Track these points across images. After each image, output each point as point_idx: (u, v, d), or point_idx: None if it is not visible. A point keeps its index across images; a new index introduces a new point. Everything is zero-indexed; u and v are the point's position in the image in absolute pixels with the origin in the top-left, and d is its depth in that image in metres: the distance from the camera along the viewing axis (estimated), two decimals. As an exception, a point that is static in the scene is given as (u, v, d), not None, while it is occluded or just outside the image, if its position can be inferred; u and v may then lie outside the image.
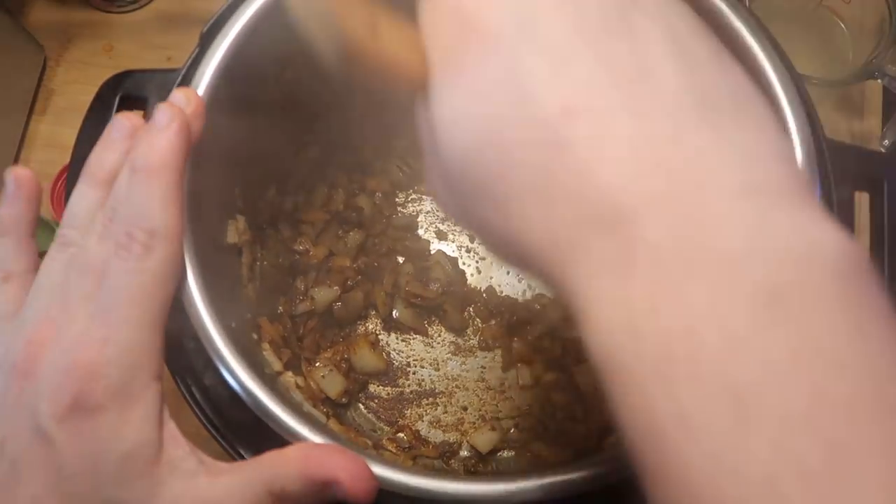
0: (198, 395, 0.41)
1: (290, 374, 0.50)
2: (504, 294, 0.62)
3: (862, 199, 0.46)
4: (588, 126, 0.23)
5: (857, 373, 0.20)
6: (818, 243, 0.21)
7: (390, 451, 0.54)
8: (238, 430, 0.41)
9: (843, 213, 0.45)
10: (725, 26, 0.45)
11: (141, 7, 0.81)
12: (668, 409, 0.20)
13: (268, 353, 0.50)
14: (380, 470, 0.37)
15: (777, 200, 0.22)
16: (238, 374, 0.39)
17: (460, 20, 0.25)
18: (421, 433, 0.57)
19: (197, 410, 0.42)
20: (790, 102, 0.43)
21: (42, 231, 0.73)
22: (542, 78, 0.23)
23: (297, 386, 0.50)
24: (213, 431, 0.41)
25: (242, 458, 0.41)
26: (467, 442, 0.57)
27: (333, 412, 0.54)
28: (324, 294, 0.59)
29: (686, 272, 0.21)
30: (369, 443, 0.54)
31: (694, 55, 0.24)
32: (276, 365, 0.50)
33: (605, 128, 0.23)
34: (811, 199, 0.23)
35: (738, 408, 0.19)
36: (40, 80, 0.79)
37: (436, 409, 0.58)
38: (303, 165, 0.60)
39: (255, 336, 0.50)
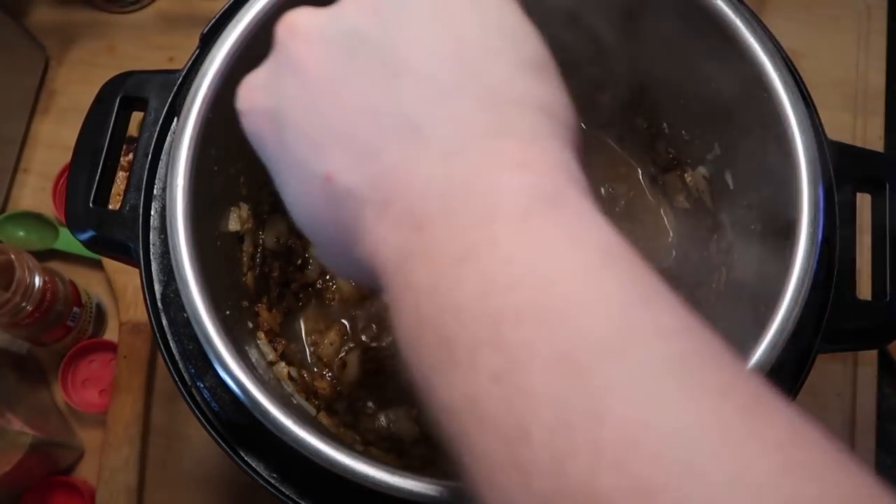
0: (198, 398, 0.41)
1: (282, 364, 0.51)
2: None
3: (864, 200, 0.46)
4: (343, 185, 0.27)
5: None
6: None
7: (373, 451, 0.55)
8: (238, 433, 0.41)
9: (844, 214, 0.45)
10: (725, 25, 0.45)
11: (143, 7, 0.81)
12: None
13: (262, 343, 0.50)
14: (367, 469, 0.37)
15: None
16: (230, 366, 0.39)
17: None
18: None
19: (198, 414, 0.42)
20: (792, 103, 0.43)
21: (44, 230, 0.73)
22: (308, 158, 0.28)
23: (290, 377, 0.51)
24: (215, 435, 0.42)
25: (243, 460, 0.41)
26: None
27: (324, 405, 0.54)
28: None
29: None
30: (358, 438, 0.54)
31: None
32: (270, 355, 0.50)
33: (354, 179, 0.27)
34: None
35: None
36: (42, 80, 0.79)
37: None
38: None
39: (250, 325, 0.50)
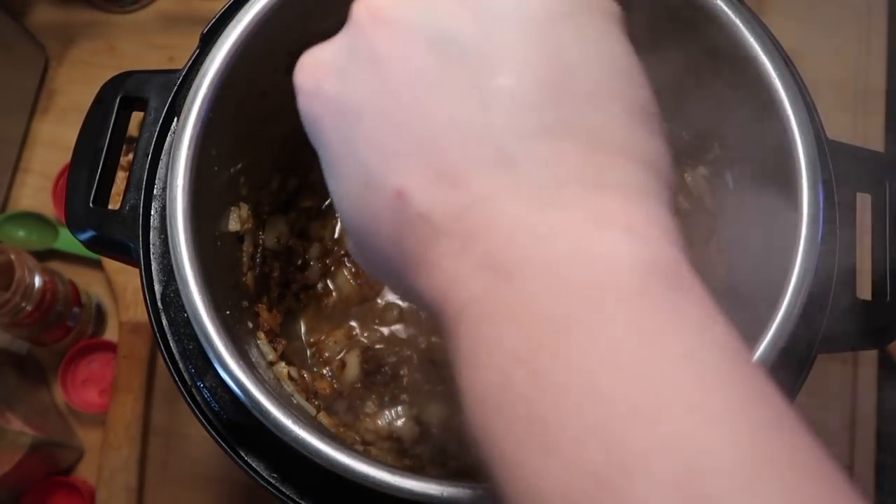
0: (198, 398, 0.41)
1: (282, 364, 0.51)
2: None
3: (864, 200, 0.46)
4: (418, 206, 0.24)
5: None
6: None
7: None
8: (238, 433, 0.41)
9: (844, 214, 0.45)
10: (726, 26, 0.45)
11: (143, 7, 0.81)
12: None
13: (262, 343, 0.50)
14: (367, 469, 0.37)
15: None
16: (230, 366, 0.39)
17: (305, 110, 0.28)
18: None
19: (198, 414, 0.42)
20: (792, 103, 0.43)
21: (44, 230, 0.73)
22: (376, 164, 0.25)
23: (290, 377, 0.51)
24: (215, 434, 0.41)
25: (243, 460, 0.41)
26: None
27: (324, 405, 0.54)
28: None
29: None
30: (357, 438, 0.54)
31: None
32: (271, 355, 0.50)
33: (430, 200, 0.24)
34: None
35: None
36: (42, 80, 0.79)
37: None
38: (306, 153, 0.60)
39: (250, 324, 0.50)
